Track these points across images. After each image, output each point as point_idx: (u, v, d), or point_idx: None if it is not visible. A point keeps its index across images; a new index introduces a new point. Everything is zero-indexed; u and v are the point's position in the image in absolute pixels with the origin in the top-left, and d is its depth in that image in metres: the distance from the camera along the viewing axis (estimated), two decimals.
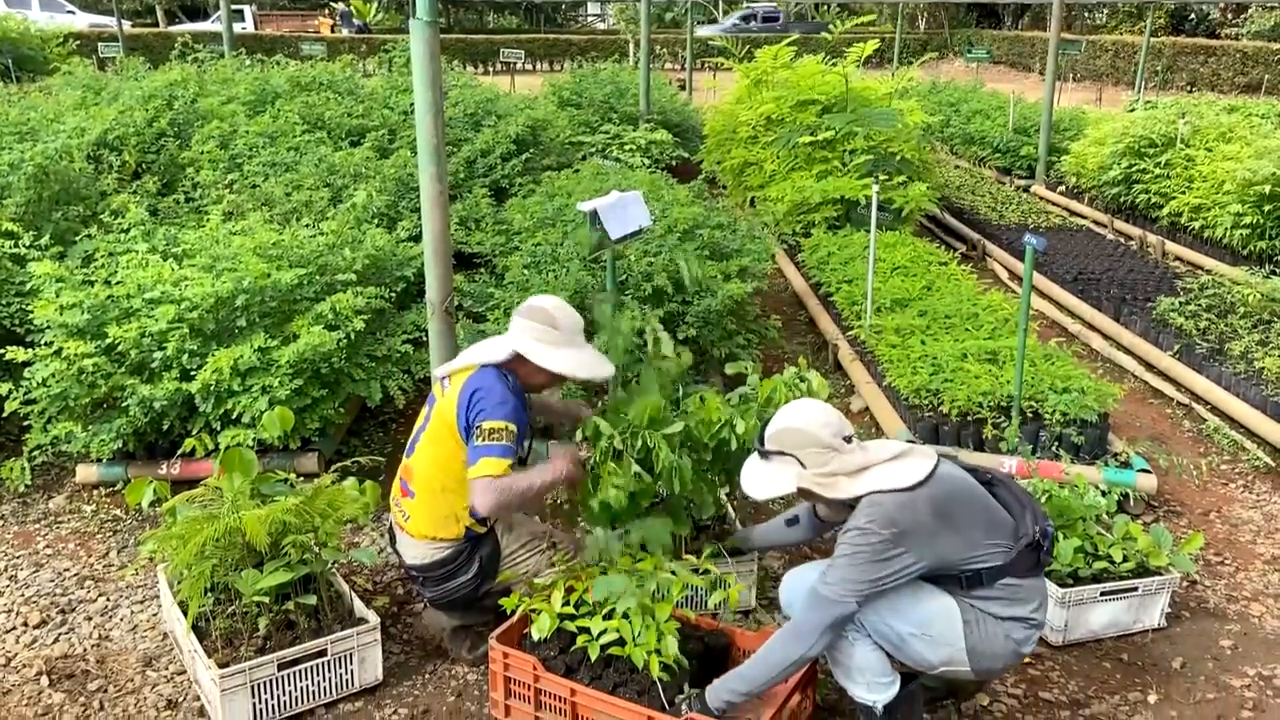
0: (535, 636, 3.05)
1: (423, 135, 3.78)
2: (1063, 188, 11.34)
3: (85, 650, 3.52)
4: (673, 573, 3.08)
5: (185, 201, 6.21)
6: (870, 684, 2.75)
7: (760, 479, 2.86)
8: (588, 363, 3.31)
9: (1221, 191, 8.46)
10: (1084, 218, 10.35)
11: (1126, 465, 4.56)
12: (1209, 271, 7.97)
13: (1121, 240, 9.26)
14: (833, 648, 2.78)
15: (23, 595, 3.85)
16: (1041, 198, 11.36)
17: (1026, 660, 3.49)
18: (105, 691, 3.30)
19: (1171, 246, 8.96)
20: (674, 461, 3.29)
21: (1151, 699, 3.33)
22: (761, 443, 2.87)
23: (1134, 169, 9.75)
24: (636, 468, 3.32)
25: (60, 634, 3.61)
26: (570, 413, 3.68)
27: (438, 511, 3.25)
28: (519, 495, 3.09)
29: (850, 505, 2.78)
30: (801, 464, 2.77)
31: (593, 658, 2.96)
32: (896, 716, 2.78)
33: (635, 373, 3.74)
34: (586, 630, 2.96)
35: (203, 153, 6.79)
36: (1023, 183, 11.99)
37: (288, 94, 8.62)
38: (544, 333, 3.26)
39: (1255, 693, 3.38)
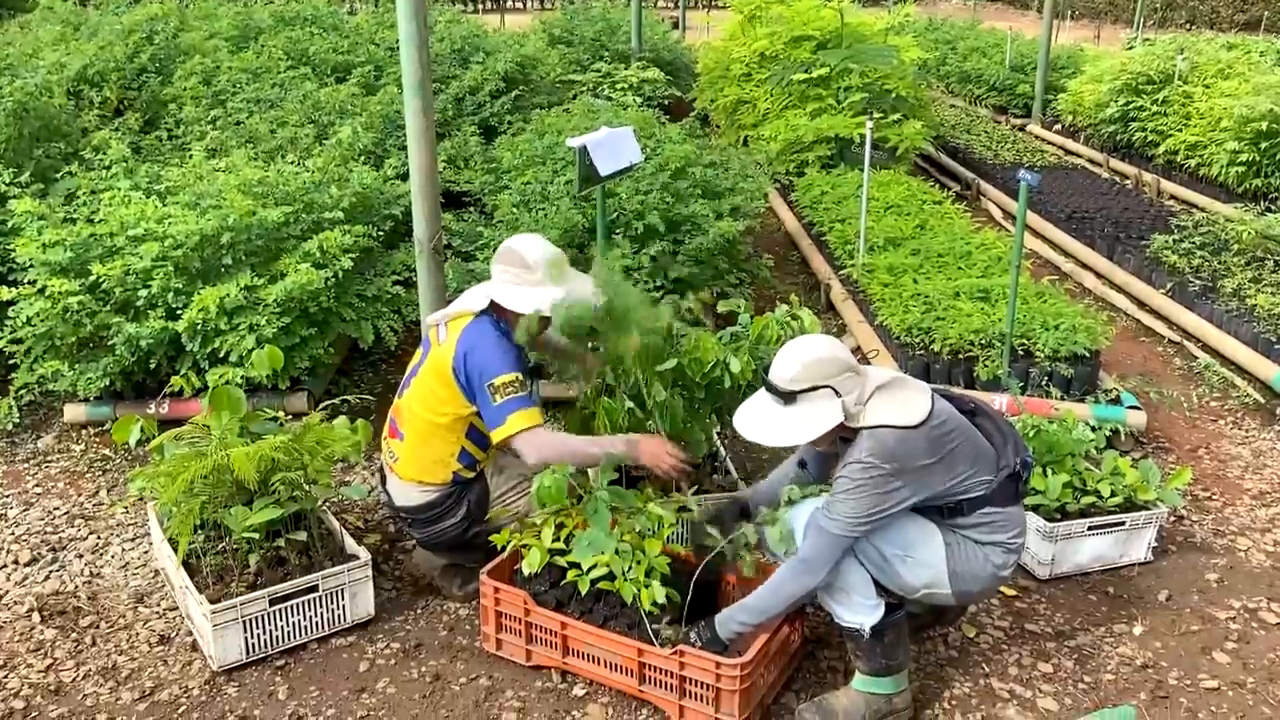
0: (526, 571, 3.07)
1: (407, 68, 3.71)
2: (1059, 126, 11.23)
3: (77, 587, 3.53)
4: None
5: (168, 138, 6.11)
6: (857, 607, 2.78)
7: (796, 422, 2.72)
8: (568, 295, 3.18)
9: (1218, 128, 8.38)
10: (1080, 156, 10.27)
11: (1117, 402, 4.57)
12: (1204, 210, 7.92)
13: (1117, 179, 9.19)
14: None
15: (13, 533, 3.84)
16: (1037, 136, 11.25)
17: (1013, 593, 3.52)
18: (97, 627, 3.31)
19: (1167, 185, 8.90)
20: (666, 399, 3.28)
21: (1137, 631, 3.37)
22: (777, 388, 2.74)
23: (1131, 106, 9.65)
24: (630, 404, 3.31)
25: (51, 571, 3.62)
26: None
27: (425, 456, 3.25)
28: (566, 453, 3.07)
29: (845, 438, 2.78)
30: (838, 393, 2.71)
31: (583, 592, 2.98)
32: (884, 641, 2.80)
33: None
34: (577, 565, 2.97)
35: (185, 89, 6.67)
36: (1019, 121, 11.87)
37: (271, 29, 8.46)
38: (517, 275, 3.19)
39: (1240, 625, 3.41)
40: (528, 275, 3.19)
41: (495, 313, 3.24)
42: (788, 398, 2.73)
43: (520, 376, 3.10)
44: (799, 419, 2.72)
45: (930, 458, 2.68)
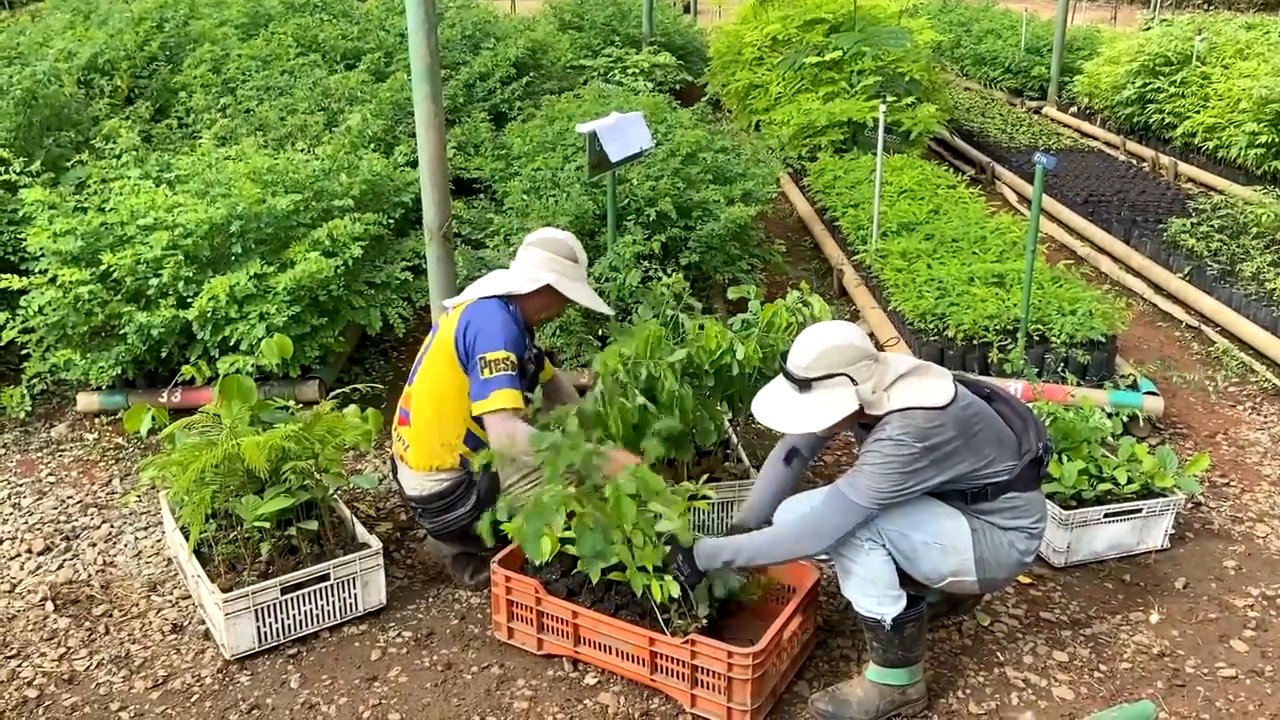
0: (537, 560, 3.05)
1: (416, 53, 3.68)
2: (1075, 109, 11.11)
3: (90, 576, 3.54)
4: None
5: (178, 126, 6.11)
6: (881, 597, 2.77)
7: (811, 410, 2.72)
8: (596, 298, 3.45)
9: (1237, 110, 8.27)
10: (1096, 139, 10.16)
11: (1134, 387, 4.52)
12: (1222, 192, 7.83)
13: (1134, 162, 9.09)
14: (845, 558, 2.78)
15: (26, 522, 3.86)
16: (1053, 119, 11.14)
17: (1028, 581, 3.49)
18: (110, 616, 3.32)
19: (1184, 168, 8.80)
20: (676, 390, 3.26)
21: (1153, 619, 3.33)
22: (792, 375, 2.74)
23: (1148, 88, 9.54)
24: (641, 399, 3.29)
25: (65, 560, 3.63)
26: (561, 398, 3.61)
27: (432, 439, 3.25)
28: (530, 455, 2.99)
29: (866, 424, 2.78)
30: (854, 381, 2.71)
31: (594, 581, 2.96)
32: (904, 634, 2.79)
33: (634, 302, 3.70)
34: None
35: (195, 77, 6.66)
36: (1034, 104, 11.76)
37: (281, 16, 8.43)
38: (569, 267, 3.34)
39: (1258, 612, 3.38)
40: (576, 270, 3.36)
41: (517, 298, 3.28)
42: (803, 385, 2.74)
43: (514, 357, 3.12)
44: (814, 406, 2.73)
45: (958, 439, 2.70)
